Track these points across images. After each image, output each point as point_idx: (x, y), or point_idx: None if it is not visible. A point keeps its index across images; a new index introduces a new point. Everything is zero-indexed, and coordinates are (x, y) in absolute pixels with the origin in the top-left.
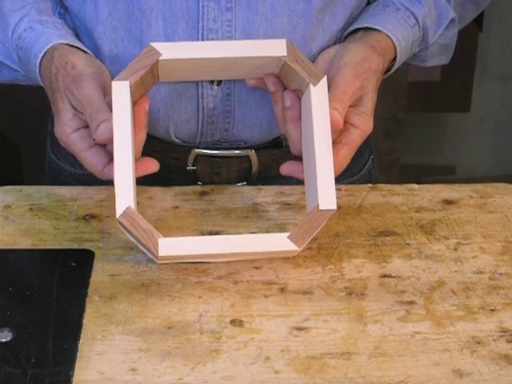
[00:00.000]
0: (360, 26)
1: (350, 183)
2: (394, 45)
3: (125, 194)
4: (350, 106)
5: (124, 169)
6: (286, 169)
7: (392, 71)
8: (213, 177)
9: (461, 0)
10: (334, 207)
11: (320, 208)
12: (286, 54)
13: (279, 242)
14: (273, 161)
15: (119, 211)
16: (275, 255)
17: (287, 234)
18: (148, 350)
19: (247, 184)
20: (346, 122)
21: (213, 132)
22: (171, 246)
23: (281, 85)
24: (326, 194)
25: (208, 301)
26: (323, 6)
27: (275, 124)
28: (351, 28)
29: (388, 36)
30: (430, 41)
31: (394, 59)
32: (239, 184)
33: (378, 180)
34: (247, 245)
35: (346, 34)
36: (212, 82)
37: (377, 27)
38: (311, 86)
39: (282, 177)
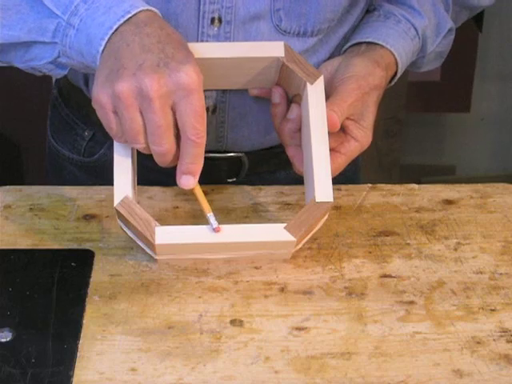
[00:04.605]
0: (363, 40)
1: None
2: (395, 60)
3: (123, 185)
4: (352, 120)
5: (124, 161)
6: (291, 151)
7: (392, 84)
8: (204, 175)
9: (457, 8)
10: (331, 199)
11: (316, 200)
12: (283, 54)
13: (276, 232)
14: (263, 160)
15: (117, 200)
16: (273, 249)
17: (284, 224)
18: (148, 349)
19: (237, 180)
20: (347, 133)
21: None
22: (168, 235)
23: (286, 98)
24: (322, 187)
25: (208, 301)
26: (317, 41)
27: (268, 138)
28: (353, 41)
29: (391, 51)
30: (428, 50)
31: (395, 73)
32: (229, 180)
33: (377, 180)
34: (244, 234)
35: (349, 46)
36: (207, 109)
37: (380, 42)
38: (308, 84)
39: (271, 171)
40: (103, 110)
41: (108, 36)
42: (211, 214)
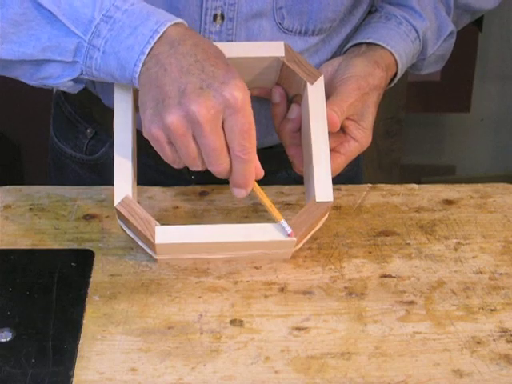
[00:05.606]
0: (364, 40)
1: None
2: (395, 61)
3: (123, 184)
4: (352, 120)
5: (124, 161)
6: (292, 150)
7: (392, 85)
8: (204, 174)
9: (459, 11)
10: (331, 199)
11: (316, 200)
12: (283, 54)
13: (276, 232)
14: (263, 159)
15: (117, 200)
16: (273, 249)
17: None
18: (148, 349)
19: None
20: (347, 134)
21: None
22: (168, 234)
23: (286, 98)
24: (322, 187)
25: (208, 301)
26: (319, 41)
27: (269, 137)
28: (354, 41)
29: (391, 52)
30: (429, 53)
31: (395, 74)
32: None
33: (377, 180)
34: (244, 234)
35: (349, 46)
36: None
37: (380, 43)
38: (308, 84)
39: (272, 172)
40: (158, 143)
41: (142, 62)
42: (283, 220)
